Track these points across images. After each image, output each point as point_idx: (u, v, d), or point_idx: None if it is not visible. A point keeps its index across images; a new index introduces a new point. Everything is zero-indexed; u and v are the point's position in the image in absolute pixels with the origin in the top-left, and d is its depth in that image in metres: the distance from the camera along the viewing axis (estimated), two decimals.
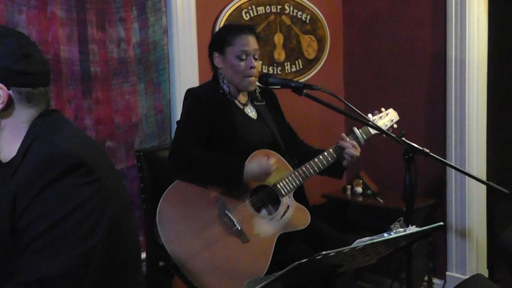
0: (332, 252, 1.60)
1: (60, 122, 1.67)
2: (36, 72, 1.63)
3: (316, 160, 2.81)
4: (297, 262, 1.57)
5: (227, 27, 2.95)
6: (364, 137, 2.88)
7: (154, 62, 3.52)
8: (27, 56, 1.62)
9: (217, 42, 2.88)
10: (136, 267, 1.78)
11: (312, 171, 2.80)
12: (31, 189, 1.47)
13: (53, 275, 1.45)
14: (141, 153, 3.05)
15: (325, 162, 2.82)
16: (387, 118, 2.96)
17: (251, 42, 2.84)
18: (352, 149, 2.81)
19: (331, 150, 2.84)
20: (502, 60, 4.05)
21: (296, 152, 2.99)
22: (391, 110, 3.00)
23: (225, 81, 2.86)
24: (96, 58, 3.26)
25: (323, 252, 1.57)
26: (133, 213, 1.83)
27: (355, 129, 2.89)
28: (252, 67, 2.81)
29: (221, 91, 2.86)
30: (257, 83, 2.87)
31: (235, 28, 2.87)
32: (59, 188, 1.48)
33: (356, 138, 2.87)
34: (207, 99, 2.80)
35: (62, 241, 1.46)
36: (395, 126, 2.96)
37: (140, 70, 3.45)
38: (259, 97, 2.98)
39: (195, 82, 3.59)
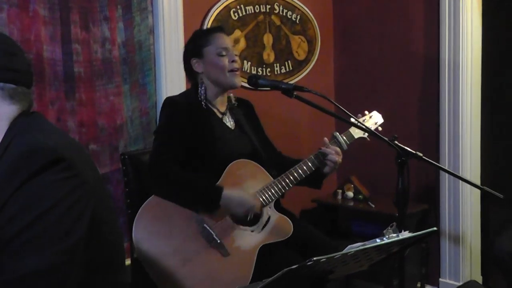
0: (323, 258, 1.60)
1: (41, 122, 1.67)
2: (21, 70, 1.65)
3: (297, 167, 2.81)
4: (287, 268, 1.58)
5: (197, 32, 3.00)
6: (347, 142, 2.89)
7: (139, 63, 3.51)
8: (13, 54, 1.64)
9: (192, 49, 2.92)
10: (120, 268, 1.77)
11: (293, 179, 2.79)
12: (9, 184, 1.47)
13: (35, 272, 1.44)
14: (126, 156, 3.03)
15: (306, 169, 2.81)
16: (370, 121, 2.96)
17: (226, 39, 2.90)
18: (335, 155, 2.82)
19: (312, 157, 2.84)
20: (497, 61, 4.07)
21: (275, 163, 2.98)
22: (374, 113, 3.00)
23: (203, 87, 2.87)
24: (80, 58, 3.25)
25: (314, 258, 1.57)
26: (117, 216, 1.83)
27: (337, 134, 2.89)
28: (233, 61, 2.84)
29: (200, 97, 2.87)
30: (247, 85, 2.87)
31: (206, 31, 2.95)
32: (38, 183, 1.48)
33: (338, 143, 2.87)
34: (187, 108, 2.80)
35: (43, 238, 1.46)
36: (379, 129, 2.96)
37: (125, 71, 3.44)
38: (235, 106, 2.99)
39: (181, 83, 3.59)
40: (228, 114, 2.95)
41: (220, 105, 2.93)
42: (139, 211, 2.64)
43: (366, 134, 2.91)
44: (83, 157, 1.65)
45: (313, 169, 2.82)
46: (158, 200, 2.67)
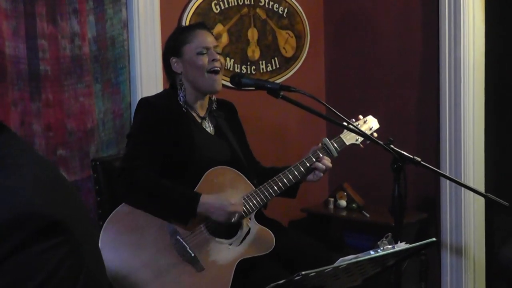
0: (312, 272, 1.60)
1: (12, 148, 1.49)
2: None
3: (282, 176, 2.82)
4: (273, 284, 1.58)
5: (178, 29, 3.05)
6: (338, 149, 2.89)
7: (112, 60, 3.51)
8: None
9: (171, 47, 2.93)
10: None
11: (277, 189, 2.79)
12: None
13: None
14: (97, 163, 3.03)
15: (291, 178, 2.82)
16: (365, 127, 2.97)
17: (208, 37, 2.91)
18: (326, 161, 2.83)
19: (298, 164, 2.85)
20: (501, 60, 4.10)
21: (255, 172, 2.99)
22: (370, 118, 3.02)
23: (182, 89, 2.87)
24: (46, 55, 3.23)
25: (303, 272, 1.57)
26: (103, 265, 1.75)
27: (327, 141, 2.90)
28: (214, 60, 2.84)
29: (178, 100, 2.87)
30: (229, 84, 2.87)
31: (187, 28, 2.98)
32: (24, 257, 1.34)
33: (327, 151, 2.88)
34: (163, 110, 2.81)
35: None
36: (375, 134, 2.97)
37: (96, 69, 3.44)
38: (215, 108, 2.99)
39: (158, 83, 3.59)
40: (207, 118, 2.96)
41: (200, 109, 2.94)
42: (106, 221, 2.64)
43: (359, 140, 2.92)
44: (70, 201, 1.52)
45: (299, 178, 2.83)
46: (128, 209, 2.67)
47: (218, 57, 2.87)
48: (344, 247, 4.11)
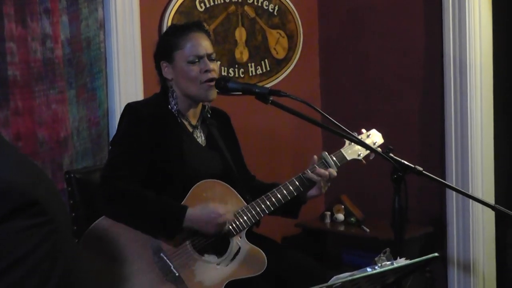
0: None
1: None
2: None
3: (277, 191, 2.82)
4: None
5: (171, 28, 3.02)
6: (338, 163, 2.89)
7: (87, 64, 3.51)
8: None
9: (163, 49, 2.91)
10: None
11: (270, 204, 2.80)
12: None
13: None
14: (72, 175, 3.03)
15: (286, 194, 2.82)
16: (368, 141, 2.93)
17: (203, 42, 2.87)
18: (322, 171, 2.82)
19: (294, 179, 2.84)
20: (511, 61, 4.11)
21: (249, 187, 2.99)
22: (373, 132, 3.00)
23: (174, 96, 2.88)
24: (15, 59, 3.24)
25: None
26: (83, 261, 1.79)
27: (326, 155, 2.89)
28: (207, 70, 2.82)
29: (169, 107, 2.88)
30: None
31: (181, 28, 2.92)
32: (5, 231, 1.44)
33: (325, 165, 2.87)
34: (150, 117, 2.81)
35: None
36: (378, 150, 2.95)
37: (70, 74, 3.44)
38: (209, 116, 3.00)
39: (138, 88, 3.60)
40: (199, 127, 2.96)
41: (192, 117, 2.94)
42: (84, 235, 2.65)
43: (362, 155, 2.91)
44: (50, 191, 1.61)
45: (295, 194, 2.83)
46: (108, 223, 2.68)
47: (212, 66, 2.83)
48: (341, 265, 4.10)
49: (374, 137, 2.99)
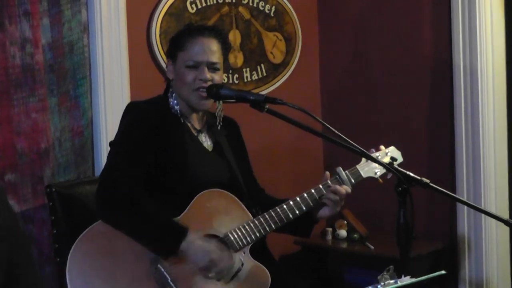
0: None
1: None
2: None
3: (286, 206, 2.82)
4: None
5: (186, 26, 3.03)
6: (353, 181, 2.89)
7: (70, 69, 3.52)
8: None
9: (170, 46, 2.95)
10: None
11: (278, 220, 2.80)
12: None
13: None
14: (53, 189, 3.04)
15: (296, 210, 2.82)
16: (386, 159, 2.86)
17: (208, 49, 2.86)
18: (339, 188, 2.82)
19: (305, 195, 2.84)
20: None
21: (257, 201, 2.99)
22: (392, 149, 2.99)
23: (173, 96, 2.90)
24: None
25: None
26: (40, 267, 1.83)
27: (340, 170, 2.88)
28: (201, 79, 2.82)
29: (172, 109, 2.90)
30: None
31: (193, 29, 2.93)
32: None
33: (339, 182, 2.87)
34: (153, 117, 2.83)
35: None
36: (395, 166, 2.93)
37: (51, 80, 3.44)
38: (218, 125, 3.00)
39: (125, 95, 3.61)
40: (205, 132, 2.98)
41: (196, 122, 2.95)
42: (77, 240, 2.64)
43: (378, 174, 2.90)
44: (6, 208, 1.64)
45: (304, 209, 2.83)
46: (104, 229, 2.67)
47: (209, 76, 2.82)
48: (344, 285, 4.11)
49: (394, 154, 2.94)
